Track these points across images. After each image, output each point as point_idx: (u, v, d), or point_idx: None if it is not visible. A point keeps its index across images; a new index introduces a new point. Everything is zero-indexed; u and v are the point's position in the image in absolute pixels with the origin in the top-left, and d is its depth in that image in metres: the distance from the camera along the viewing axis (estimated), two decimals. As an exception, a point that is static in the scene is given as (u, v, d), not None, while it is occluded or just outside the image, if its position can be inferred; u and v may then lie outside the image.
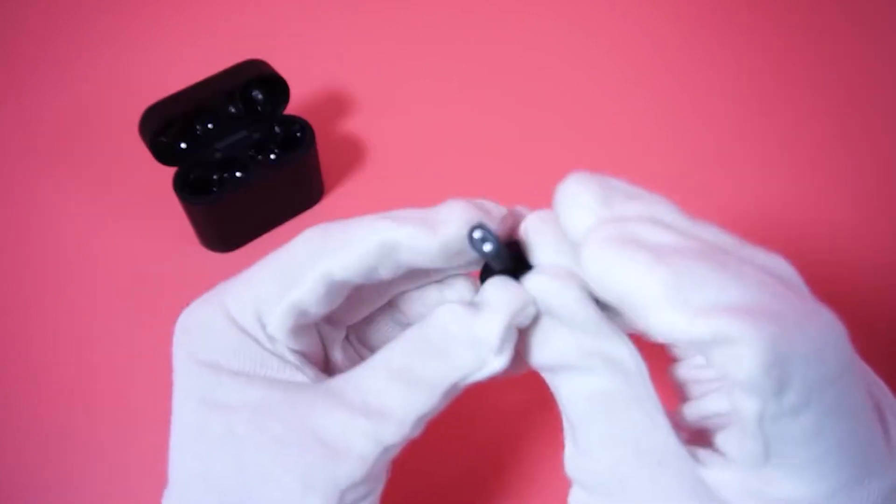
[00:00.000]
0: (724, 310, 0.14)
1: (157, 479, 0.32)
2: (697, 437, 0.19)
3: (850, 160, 0.44)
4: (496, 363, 0.18)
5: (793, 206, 0.42)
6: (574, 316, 0.17)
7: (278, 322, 0.19)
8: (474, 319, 0.18)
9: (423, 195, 0.42)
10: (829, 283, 0.39)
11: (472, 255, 0.19)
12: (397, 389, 0.18)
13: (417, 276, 0.22)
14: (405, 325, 0.23)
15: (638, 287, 0.15)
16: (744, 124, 0.47)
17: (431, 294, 0.23)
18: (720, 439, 0.18)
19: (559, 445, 0.19)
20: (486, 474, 0.32)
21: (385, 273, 0.19)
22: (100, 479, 0.32)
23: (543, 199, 0.45)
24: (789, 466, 0.16)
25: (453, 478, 0.32)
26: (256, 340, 0.20)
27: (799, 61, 0.50)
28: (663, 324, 0.15)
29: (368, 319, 0.24)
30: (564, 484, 0.20)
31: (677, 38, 0.52)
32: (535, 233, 0.19)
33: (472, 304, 0.18)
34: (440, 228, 0.18)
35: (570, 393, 0.18)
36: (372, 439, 0.18)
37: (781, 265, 0.17)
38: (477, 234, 0.18)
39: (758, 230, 0.40)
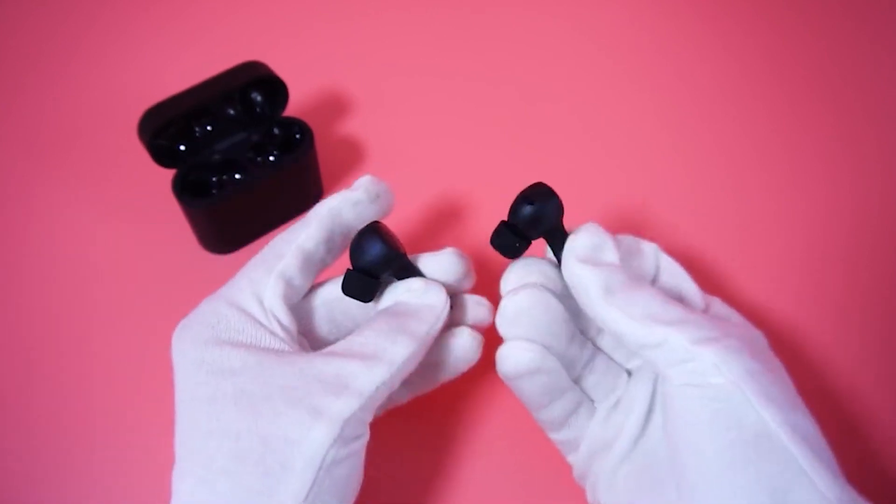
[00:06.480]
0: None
1: (157, 478, 0.32)
2: None
3: (851, 159, 0.45)
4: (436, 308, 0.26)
5: (793, 205, 0.42)
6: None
7: (271, 293, 0.25)
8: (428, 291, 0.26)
9: (422, 197, 0.42)
10: (827, 281, 0.39)
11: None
12: (387, 338, 0.24)
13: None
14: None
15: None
16: (745, 122, 0.47)
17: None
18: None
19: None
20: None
21: (340, 240, 0.27)
22: (99, 480, 0.32)
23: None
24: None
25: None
26: (253, 317, 0.25)
27: (805, 62, 0.51)
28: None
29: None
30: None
31: (678, 37, 0.52)
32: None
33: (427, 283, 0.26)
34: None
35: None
36: (367, 376, 0.23)
37: None
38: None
39: (758, 227, 0.41)
